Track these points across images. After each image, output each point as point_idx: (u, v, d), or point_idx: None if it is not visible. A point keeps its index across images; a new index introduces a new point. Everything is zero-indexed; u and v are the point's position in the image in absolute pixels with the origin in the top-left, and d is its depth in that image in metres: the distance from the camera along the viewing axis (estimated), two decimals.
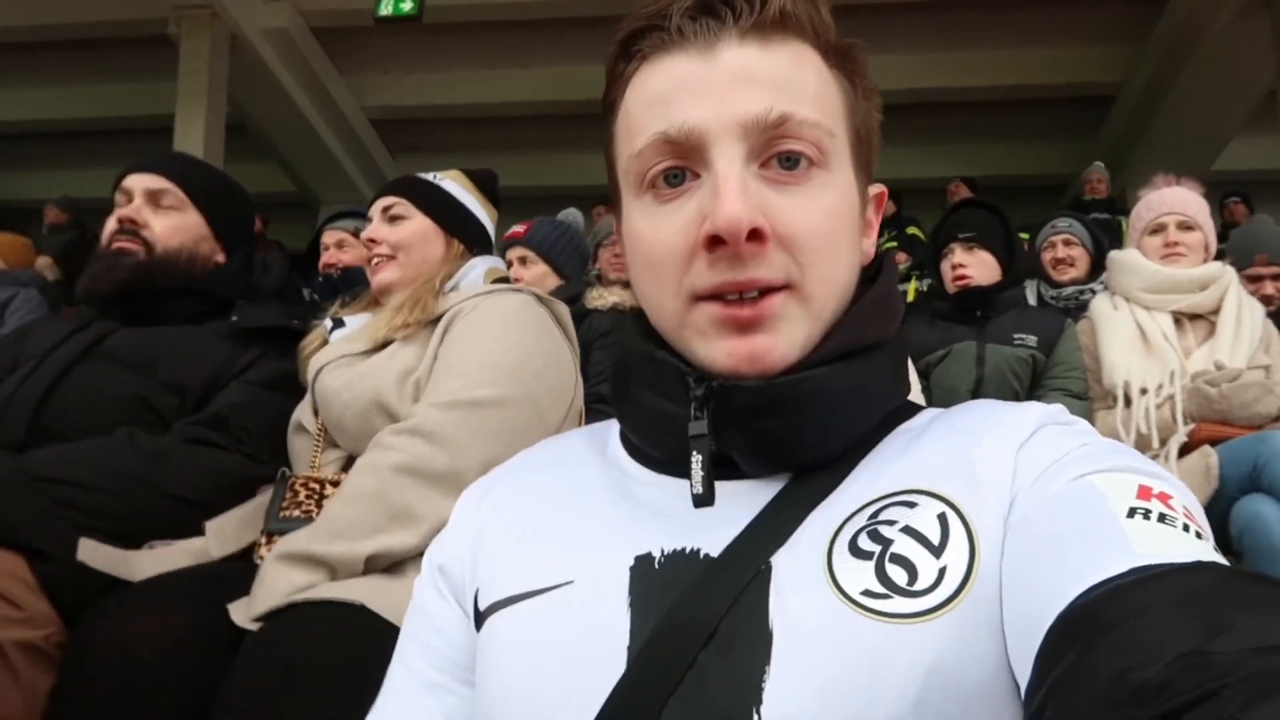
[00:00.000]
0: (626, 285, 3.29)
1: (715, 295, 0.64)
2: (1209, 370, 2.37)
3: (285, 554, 1.22)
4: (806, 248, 0.64)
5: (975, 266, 2.73)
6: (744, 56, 0.64)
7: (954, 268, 2.75)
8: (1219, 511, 2.14)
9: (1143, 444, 2.34)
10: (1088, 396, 2.58)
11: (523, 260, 3.06)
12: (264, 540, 1.40)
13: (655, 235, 0.66)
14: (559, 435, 0.85)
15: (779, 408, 0.64)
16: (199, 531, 1.42)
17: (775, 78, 0.64)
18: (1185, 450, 2.29)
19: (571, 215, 4.04)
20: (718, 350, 0.65)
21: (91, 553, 1.29)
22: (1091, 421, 2.49)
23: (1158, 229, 2.68)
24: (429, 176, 1.82)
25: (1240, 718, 0.35)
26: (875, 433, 0.69)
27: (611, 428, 0.80)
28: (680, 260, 0.65)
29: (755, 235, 0.61)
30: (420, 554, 1.26)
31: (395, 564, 1.28)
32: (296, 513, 1.41)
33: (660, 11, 0.66)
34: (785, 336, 0.64)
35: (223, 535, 1.42)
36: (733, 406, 0.64)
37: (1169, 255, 2.62)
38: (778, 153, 0.64)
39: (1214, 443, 2.24)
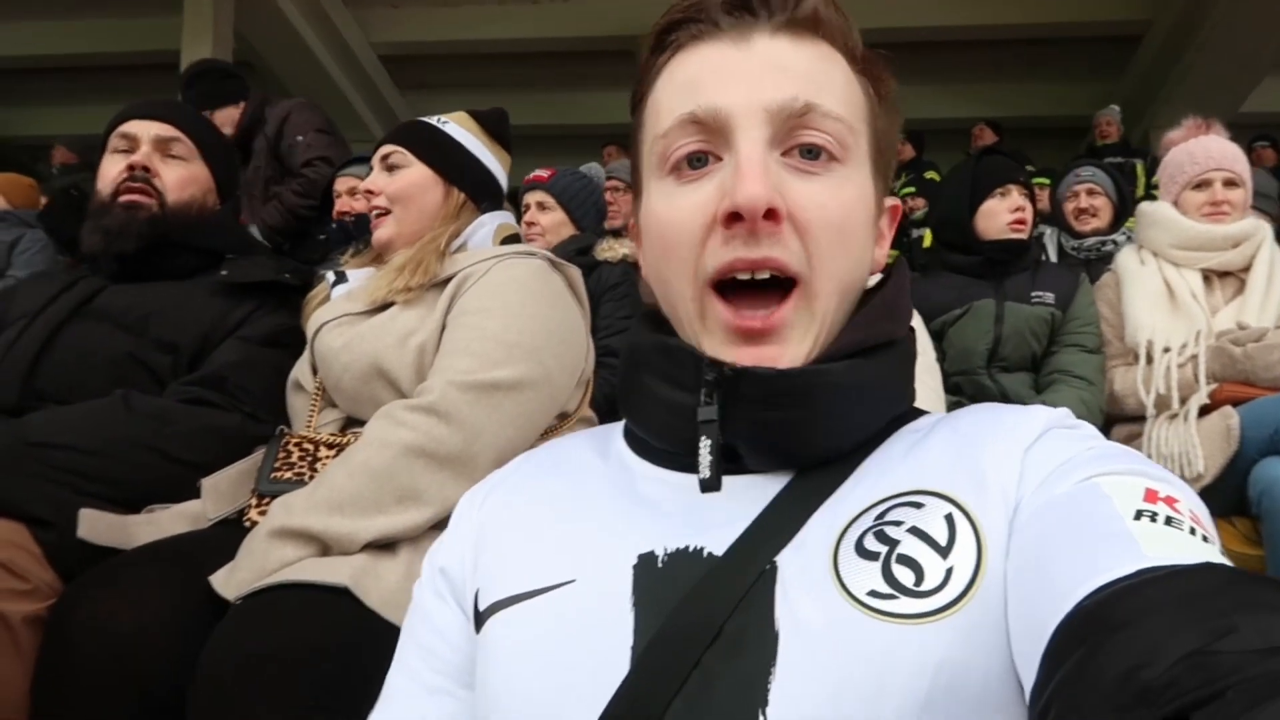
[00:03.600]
0: None
1: (727, 277, 0.65)
2: (1234, 329, 2.31)
3: (279, 529, 1.19)
4: (819, 237, 0.64)
5: (1029, 213, 2.63)
6: (775, 47, 0.66)
7: (1015, 210, 2.61)
8: (1238, 473, 2.11)
9: (1163, 403, 2.30)
10: (1101, 351, 2.53)
11: (541, 205, 3.02)
12: (254, 502, 1.38)
13: (672, 214, 0.67)
14: (560, 438, 0.86)
15: (788, 398, 0.64)
16: (197, 494, 1.40)
17: (804, 70, 0.66)
18: (1206, 410, 2.24)
19: (594, 170, 3.99)
20: (725, 353, 0.66)
21: (92, 525, 1.27)
22: (1110, 378, 2.45)
23: (1203, 184, 2.54)
24: (433, 120, 1.73)
25: (1244, 719, 0.34)
26: (880, 432, 0.69)
27: (614, 430, 0.80)
28: (697, 238, 0.66)
29: (772, 215, 0.62)
30: (418, 536, 1.25)
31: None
32: (288, 474, 1.38)
33: (697, 5, 0.68)
34: (794, 345, 0.66)
35: (218, 494, 1.40)
36: (742, 394, 0.64)
37: (1215, 214, 2.50)
38: (800, 143, 0.65)
39: (1236, 403, 2.20)
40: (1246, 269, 2.46)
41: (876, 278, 0.76)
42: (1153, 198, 3.04)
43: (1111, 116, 6.57)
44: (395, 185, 1.64)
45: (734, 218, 0.62)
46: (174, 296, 1.64)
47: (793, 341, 0.66)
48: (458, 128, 1.73)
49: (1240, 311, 2.37)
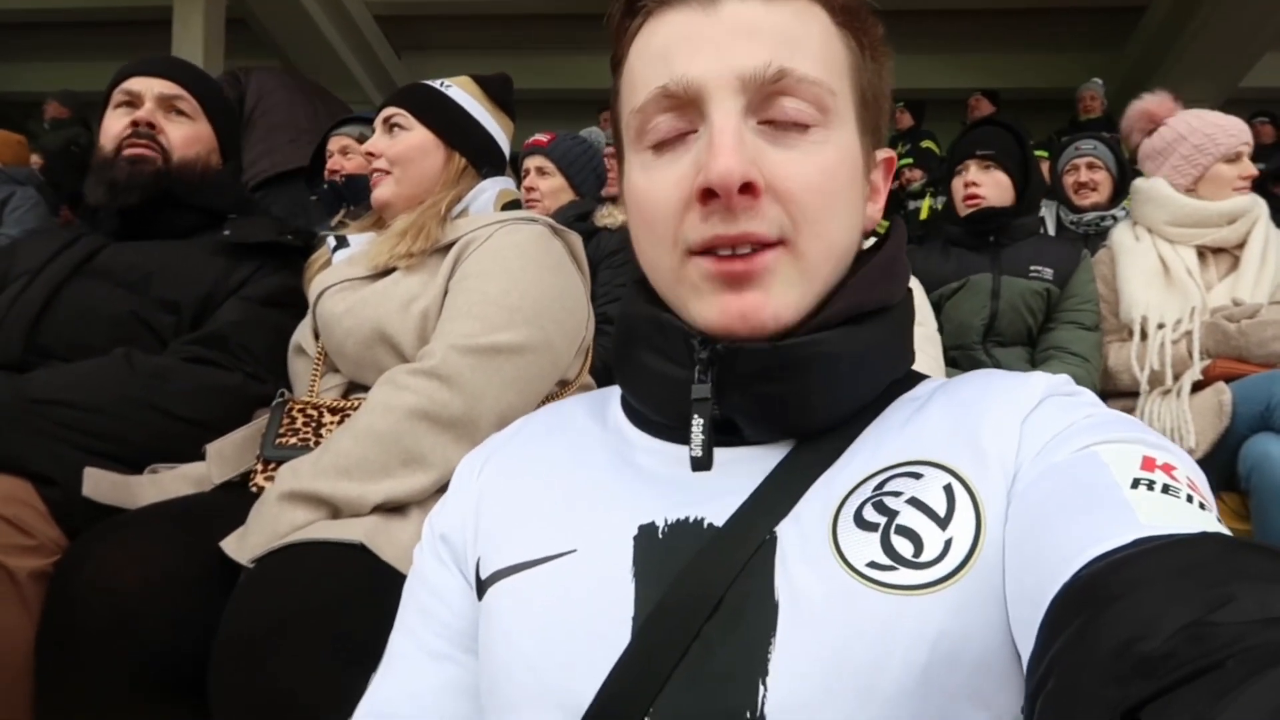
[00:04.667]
0: None
1: (708, 250, 0.63)
2: (1229, 306, 2.32)
3: (289, 492, 1.20)
4: (801, 203, 0.63)
5: (989, 187, 2.63)
6: (746, 10, 0.63)
7: (966, 185, 2.65)
8: (1229, 448, 2.13)
9: (1156, 379, 2.32)
10: (1098, 329, 2.54)
11: (541, 171, 3.00)
12: (260, 468, 1.38)
13: (651, 189, 0.66)
14: (559, 402, 0.85)
15: (784, 371, 0.63)
16: (200, 454, 1.41)
17: (777, 32, 0.63)
18: (1199, 386, 2.26)
19: (594, 135, 3.97)
20: (710, 307, 0.64)
21: (96, 484, 1.28)
22: (1105, 353, 2.46)
23: (1235, 158, 2.52)
24: (436, 84, 1.72)
25: (1242, 689, 0.34)
26: (878, 400, 0.69)
27: (612, 394, 0.79)
28: (675, 213, 0.64)
29: (748, 189, 0.61)
30: (425, 499, 1.26)
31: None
32: (294, 440, 1.39)
33: None
34: (778, 294, 0.63)
35: (222, 458, 1.41)
36: (737, 370, 0.64)
37: (1244, 187, 2.51)
38: (776, 109, 0.63)
39: (1229, 379, 2.22)
40: (1240, 246, 2.47)
41: (872, 240, 0.75)
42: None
43: (1095, 91, 6.55)
44: (396, 148, 1.63)
45: (709, 194, 0.61)
46: (176, 256, 1.63)
47: (776, 289, 0.63)
48: (460, 92, 1.71)
49: (1234, 287, 2.39)
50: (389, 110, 1.67)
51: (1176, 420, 2.20)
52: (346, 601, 1.07)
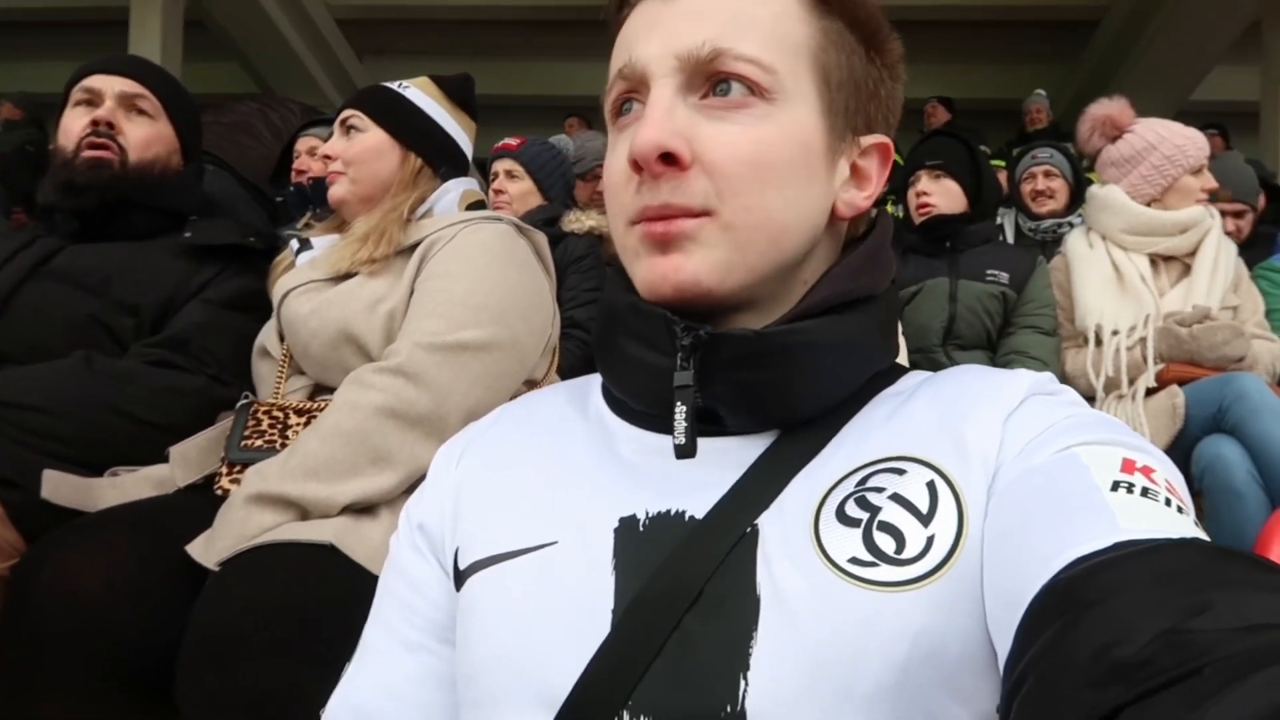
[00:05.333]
0: (603, 210, 3.24)
1: (642, 220, 0.64)
2: (1181, 311, 2.38)
3: (256, 494, 1.18)
4: (727, 174, 0.63)
5: (939, 195, 2.71)
6: None
7: (918, 195, 2.73)
8: (1183, 450, 2.19)
9: (1112, 385, 2.37)
10: (1057, 333, 2.59)
11: (509, 174, 3.00)
12: (225, 470, 1.37)
13: (609, 165, 0.69)
14: (538, 391, 0.84)
15: (766, 359, 0.63)
16: (163, 458, 1.39)
17: (724, 14, 0.64)
18: (1153, 390, 2.31)
19: (563, 142, 3.98)
20: (642, 269, 0.65)
21: (55, 487, 1.26)
22: (1062, 359, 2.51)
23: (1198, 170, 2.58)
24: (394, 85, 1.71)
25: (1219, 696, 0.34)
26: (861, 393, 0.68)
27: (592, 383, 0.78)
28: (622, 186, 0.66)
29: (671, 160, 0.61)
30: (393, 498, 1.25)
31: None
32: (259, 442, 1.37)
33: None
34: (698, 258, 0.63)
35: (186, 461, 1.39)
36: (720, 357, 0.63)
37: (1205, 199, 2.58)
38: (715, 87, 0.64)
39: (1181, 383, 2.27)
40: (1191, 254, 2.53)
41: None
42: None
43: (1040, 103, 6.68)
44: (352, 149, 1.61)
45: (637, 165, 0.62)
46: (136, 258, 1.60)
47: (696, 254, 0.63)
48: (419, 93, 1.70)
49: (1187, 295, 2.45)
50: (345, 112, 1.66)
51: (1131, 423, 2.25)
52: (317, 602, 1.06)
